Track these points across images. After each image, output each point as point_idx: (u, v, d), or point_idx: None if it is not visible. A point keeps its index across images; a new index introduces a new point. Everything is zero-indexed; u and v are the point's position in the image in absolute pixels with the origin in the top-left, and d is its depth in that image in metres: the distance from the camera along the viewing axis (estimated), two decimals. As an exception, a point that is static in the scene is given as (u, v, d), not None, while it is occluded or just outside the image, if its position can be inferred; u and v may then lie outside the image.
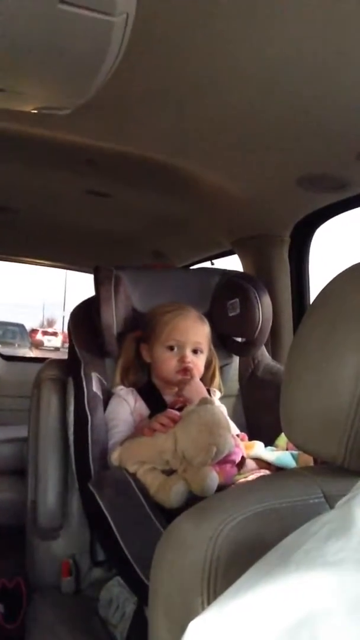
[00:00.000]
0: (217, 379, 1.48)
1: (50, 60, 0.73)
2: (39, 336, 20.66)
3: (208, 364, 1.47)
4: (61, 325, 30.49)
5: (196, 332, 1.38)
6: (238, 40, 0.88)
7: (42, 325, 31.13)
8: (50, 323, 34.02)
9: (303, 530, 0.43)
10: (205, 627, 0.37)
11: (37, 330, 22.21)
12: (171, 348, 1.36)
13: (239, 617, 0.36)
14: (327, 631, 0.34)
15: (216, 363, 1.49)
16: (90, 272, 2.80)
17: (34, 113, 0.98)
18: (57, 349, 19.57)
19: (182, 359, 1.35)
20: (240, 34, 0.86)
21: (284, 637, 0.34)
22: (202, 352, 1.39)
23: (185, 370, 1.34)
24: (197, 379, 1.36)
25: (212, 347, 1.47)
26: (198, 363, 1.37)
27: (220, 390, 1.48)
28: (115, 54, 0.73)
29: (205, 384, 1.44)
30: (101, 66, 0.74)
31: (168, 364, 1.36)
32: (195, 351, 1.37)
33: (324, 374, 0.55)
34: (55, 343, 20.85)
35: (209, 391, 1.42)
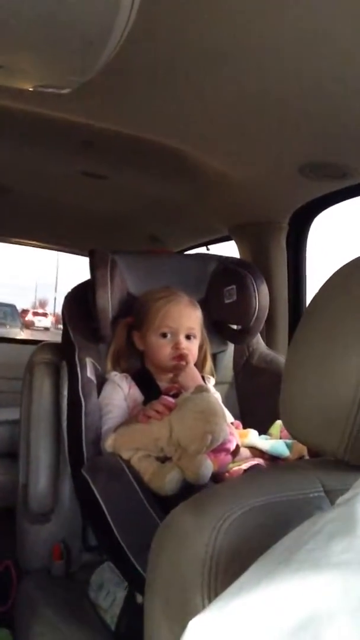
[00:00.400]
0: (209, 364, 1.48)
1: (52, 37, 0.71)
2: (29, 317, 21.23)
3: (199, 349, 1.46)
4: (53, 306, 31.30)
5: (189, 317, 1.37)
6: (242, 24, 0.86)
7: (34, 306, 31.60)
8: (42, 304, 34.61)
9: (305, 528, 0.42)
10: (206, 626, 0.37)
11: (28, 311, 22.96)
12: (164, 335, 1.35)
13: (241, 617, 0.35)
14: (330, 633, 0.33)
15: (207, 348, 1.48)
16: (84, 255, 2.78)
17: (32, 91, 0.95)
18: (47, 329, 20.09)
19: (176, 345, 1.34)
20: (244, 17, 0.84)
21: (287, 639, 0.34)
22: (195, 337, 1.38)
23: (180, 357, 1.33)
24: (191, 365, 1.35)
25: (204, 332, 1.47)
26: (192, 348, 1.37)
27: (212, 375, 1.48)
28: (120, 33, 0.71)
29: (197, 369, 1.44)
30: (105, 46, 0.72)
31: (162, 351, 1.35)
32: (188, 337, 1.36)
33: (326, 367, 0.55)
34: (46, 323, 21.59)
35: (203, 378, 1.41)
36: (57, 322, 21.34)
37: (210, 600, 0.45)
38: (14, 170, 1.88)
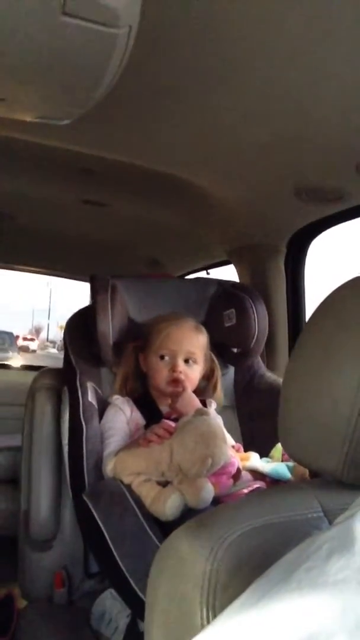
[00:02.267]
0: (219, 391, 1.47)
1: (52, 71, 0.73)
2: (20, 342, 24.43)
3: (210, 375, 1.46)
4: (46, 333, 34.30)
5: (189, 342, 1.37)
6: (237, 53, 0.88)
7: (31, 332, 34.74)
8: (38, 330, 36.76)
9: (304, 548, 0.42)
10: None
11: (18, 337, 25.68)
12: (163, 357, 1.35)
13: (240, 638, 0.35)
14: None
15: (219, 374, 1.48)
16: (85, 280, 2.80)
17: (32, 122, 0.98)
18: (34, 351, 24.70)
19: (172, 368, 1.34)
20: (239, 46, 0.87)
21: None
22: (195, 362, 1.37)
23: (177, 382, 1.33)
24: (189, 391, 1.34)
25: (215, 358, 1.47)
26: (190, 374, 1.36)
27: (220, 401, 1.48)
28: (117, 66, 0.73)
29: (206, 395, 1.44)
30: (103, 78, 0.75)
31: (160, 373, 1.35)
32: (187, 361, 1.36)
33: (322, 386, 0.55)
34: (33, 346, 26.62)
35: (204, 402, 1.41)
36: (39, 346, 28.33)
37: (209, 621, 0.45)
38: (15, 198, 1.92)
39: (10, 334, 15.95)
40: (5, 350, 13.21)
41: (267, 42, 0.85)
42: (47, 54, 0.69)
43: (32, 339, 28.04)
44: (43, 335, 35.64)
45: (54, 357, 18.43)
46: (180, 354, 1.35)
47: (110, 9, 0.62)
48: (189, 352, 1.36)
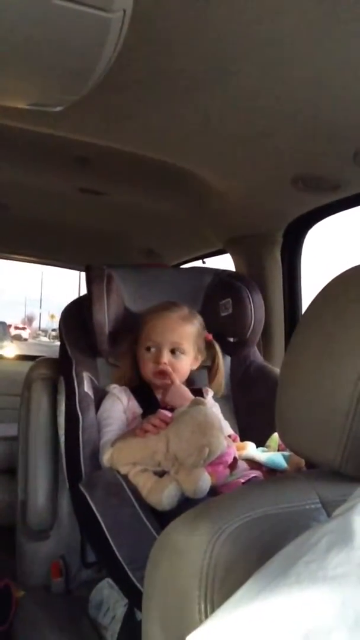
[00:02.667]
0: (219, 379, 1.47)
1: (45, 56, 0.72)
2: (12, 330, 25.04)
3: (211, 363, 1.45)
4: (39, 322, 35.74)
5: (173, 332, 1.34)
6: (234, 39, 0.87)
7: (23, 321, 35.56)
8: (30, 319, 37.95)
9: (302, 540, 0.42)
10: None
11: (10, 325, 26.45)
12: (149, 349, 1.34)
13: (238, 632, 0.35)
14: None
15: (220, 362, 1.47)
16: (80, 270, 2.78)
17: (26, 109, 0.96)
18: (25, 339, 25.23)
19: (157, 360, 1.33)
20: (237, 32, 0.85)
21: None
22: (183, 352, 1.35)
23: (163, 373, 1.32)
24: (177, 383, 1.33)
25: (217, 345, 1.46)
26: (177, 364, 1.35)
27: (219, 389, 1.47)
28: (112, 51, 0.72)
29: (203, 384, 1.43)
30: (97, 63, 0.73)
31: (146, 365, 1.35)
32: (174, 352, 1.35)
33: (320, 377, 0.55)
34: (25, 335, 27.00)
35: (200, 390, 1.41)
36: (31, 334, 29.03)
37: (207, 615, 0.45)
38: (10, 187, 1.90)
39: (3, 324, 16.70)
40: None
41: (264, 28, 0.84)
42: (39, 39, 0.68)
43: (23, 328, 28.59)
44: (35, 324, 36.84)
45: (45, 344, 20.39)
46: (164, 345, 1.33)
47: (104, -8, 0.60)
48: (174, 342, 1.34)
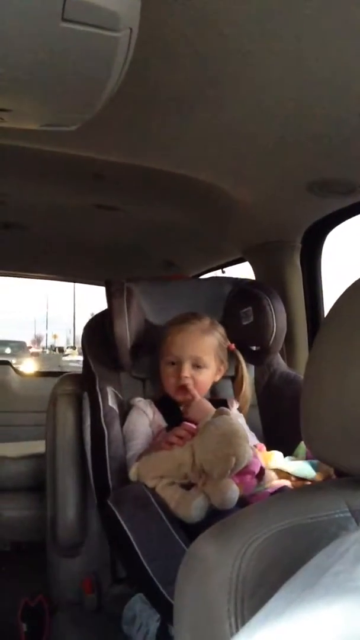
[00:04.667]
0: (244, 389, 1.46)
1: (55, 78, 0.73)
2: None
3: (235, 373, 1.44)
4: (45, 341, 39.99)
5: (194, 346, 1.34)
6: (243, 48, 0.88)
7: (32, 341, 39.27)
8: (39, 339, 41.98)
9: (331, 551, 0.41)
10: None
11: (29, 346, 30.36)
12: (171, 363, 1.34)
13: None
14: None
15: (244, 373, 1.46)
16: (96, 284, 2.80)
17: (40, 130, 0.98)
18: (37, 354, 27.75)
19: (178, 374, 1.33)
20: (245, 42, 0.86)
21: None
22: (204, 366, 1.35)
23: (184, 389, 1.32)
24: (198, 398, 1.33)
25: (240, 356, 1.45)
26: (199, 378, 1.34)
27: (246, 400, 1.46)
28: (120, 68, 0.73)
29: (227, 395, 1.42)
30: (106, 82, 0.74)
31: (168, 380, 1.35)
32: (197, 366, 1.34)
33: (344, 381, 0.54)
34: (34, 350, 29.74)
35: (225, 401, 1.40)
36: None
37: (238, 628, 0.44)
38: (27, 207, 1.93)
39: (23, 343, 21.08)
40: (19, 355, 16.66)
41: (272, 38, 0.84)
42: (49, 61, 0.69)
43: (32, 346, 32.29)
44: (43, 343, 41.44)
45: (47, 357, 24.39)
46: (185, 360, 1.33)
47: (109, 12, 0.61)
48: (195, 357, 1.34)
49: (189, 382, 1.32)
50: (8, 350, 17.06)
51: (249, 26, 0.81)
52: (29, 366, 14.49)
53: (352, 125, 1.11)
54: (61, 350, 32.93)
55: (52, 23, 0.62)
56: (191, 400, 1.31)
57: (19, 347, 18.38)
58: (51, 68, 0.71)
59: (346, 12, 0.77)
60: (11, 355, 16.15)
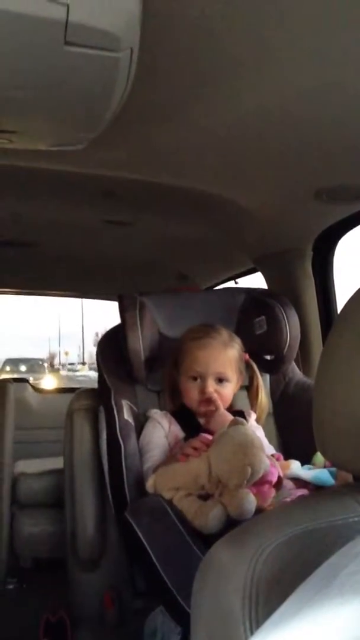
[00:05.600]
0: (260, 399, 1.45)
1: (60, 99, 0.75)
2: None
3: (249, 383, 1.45)
4: (59, 358, 41.80)
5: (216, 361, 1.34)
6: (245, 61, 0.89)
7: (47, 359, 40.55)
8: (52, 356, 43.37)
9: (345, 552, 0.42)
10: None
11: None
12: (194, 378, 1.34)
13: None
14: None
15: (259, 383, 1.46)
16: (109, 300, 2.82)
17: (47, 150, 1.01)
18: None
19: (202, 390, 1.33)
20: (245, 55, 0.87)
21: None
22: (227, 380, 1.35)
23: (209, 401, 1.32)
24: (221, 410, 1.33)
25: (254, 366, 1.45)
26: (223, 392, 1.34)
27: (263, 410, 1.46)
28: (123, 87, 0.75)
29: (243, 406, 1.42)
30: (110, 101, 0.76)
31: (191, 394, 1.34)
32: (220, 380, 1.34)
33: (355, 388, 0.54)
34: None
35: (242, 413, 1.40)
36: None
37: (252, 631, 0.44)
38: (38, 225, 1.96)
39: (43, 359, 24.61)
40: (39, 372, 19.20)
41: (274, 49, 0.85)
42: (54, 84, 0.71)
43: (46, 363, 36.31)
44: (56, 360, 43.26)
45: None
46: (209, 376, 1.33)
47: (110, 34, 0.63)
48: (218, 372, 1.34)
49: (214, 395, 1.32)
50: (23, 368, 19.35)
51: (249, 37, 0.82)
52: (49, 382, 16.54)
53: (356, 131, 1.11)
54: (71, 365, 34.90)
55: (56, 47, 0.64)
56: (214, 412, 1.31)
57: (38, 366, 20.97)
58: (55, 90, 0.73)
59: (350, 14, 0.77)
60: (29, 372, 18.06)
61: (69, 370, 32.68)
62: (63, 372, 30.97)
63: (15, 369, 19.97)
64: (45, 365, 25.39)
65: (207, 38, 0.81)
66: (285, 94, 0.99)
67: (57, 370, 28.60)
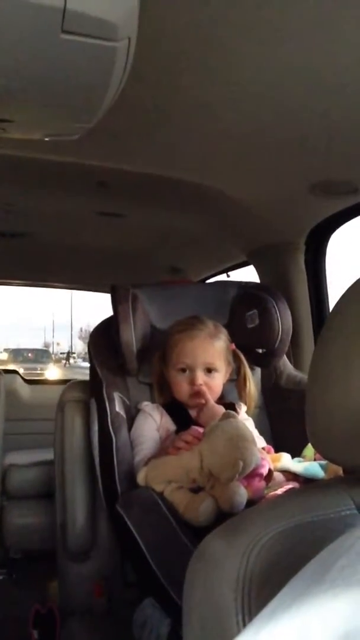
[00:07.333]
0: (248, 388, 1.45)
1: (56, 89, 0.74)
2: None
3: (237, 374, 1.45)
4: (52, 348, 43.22)
5: (205, 352, 1.33)
6: (242, 53, 0.88)
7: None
8: (47, 346, 44.34)
9: (337, 546, 0.42)
10: None
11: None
12: (183, 370, 1.34)
13: None
14: None
15: (247, 373, 1.46)
16: (102, 291, 2.81)
17: (42, 140, 1.00)
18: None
19: (192, 381, 1.33)
20: (243, 47, 0.87)
21: None
22: (216, 370, 1.35)
23: (198, 394, 1.32)
24: (211, 403, 1.33)
25: (241, 356, 1.45)
26: (212, 383, 1.34)
27: (252, 400, 1.46)
28: (120, 77, 0.74)
29: (233, 398, 1.43)
30: (106, 91, 0.75)
31: (180, 387, 1.34)
32: (209, 372, 1.34)
33: (349, 380, 0.54)
34: None
35: (233, 405, 1.40)
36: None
37: (245, 624, 0.45)
38: (32, 216, 1.95)
39: (47, 351, 24.63)
40: (44, 362, 19.77)
41: (272, 41, 0.85)
42: (50, 73, 0.70)
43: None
44: (51, 349, 44.13)
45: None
46: (197, 367, 1.33)
47: (108, 23, 0.63)
48: (207, 362, 1.34)
49: (203, 388, 1.32)
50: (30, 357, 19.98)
51: (247, 30, 0.82)
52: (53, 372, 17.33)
53: (354, 126, 1.11)
54: (62, 354, 34.93)
55: (52, 35, 0.63)
56: (204, 405, 1.31)
57: (43, 356, 21.54)
58: (52, 79, 0.72)
59: (349, 12, 0.77)
60: (36, 361, 18.94)
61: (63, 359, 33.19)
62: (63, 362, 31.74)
63: (23, 359, 20.05)
64: (52, 356, 25.68)
65: (206, 31, 0.80)
66: (281, 87, 0.99)
67: (59, 360, 28.55)
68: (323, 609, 0.35)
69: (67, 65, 0.69)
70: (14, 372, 3.29)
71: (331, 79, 0.96)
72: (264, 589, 0.46)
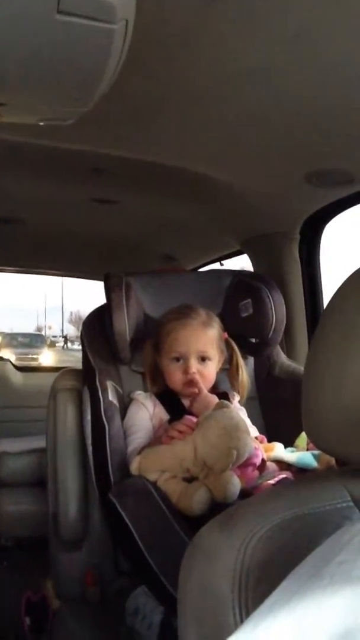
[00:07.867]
0: (241, 376, 1.45)
1: (50, 71, 0.72)
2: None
3: (229, 363, 1.45)
4: (45, 331, 43.01)
5: (198, 340, 1.33)
6: (239, 41, 0.87)
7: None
8: (39, 330, 44.52)
9: (334, 541, 0.42)
10: None
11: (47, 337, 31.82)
12: (177, 359, 1.33)
13: (275, 638, 0.35)
14: None
15: (239, 362, 1.45)
16: (99, 279, 2.80)
17: (36, 124, 0.98)
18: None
19: (186, 370, 1.32)
20: (241, 34, 0.85)
21: None
22: (209, 359, 1.35)
23: (191, 383, 1.32)
24: (204, 392, 1.33)
25: (234, 344, 1.45)
26: (205, 372, 1.34)
27: (244, 389, 1.46)
28: (116, 61, 0.73)
29: (226, 387, 1.43)
30: (102, 75, 0.74)
31: (174, 375, 1.34)
32: (203, 359, 1.34)
33: (345, 372, 0.54)
34: None
35: (226, 394, 1.40)
36: None
37: (242, 617, 0.45)
38: (25, 201, 1.92)
39: (41, 336, 23.82)
40: (38, 347, 19.20)
41: (271, 29, 0.84)
42: (45, 54, 0.69)
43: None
44: (43, 332, 45.30)
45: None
46: (191, 355, 1.32)
47: (105, 4, 0.61)
48: (200, 351, 1.33)
49: (196, 377, 1.31)
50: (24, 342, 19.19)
51: (246, 17, 0.80)
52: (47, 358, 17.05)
53: (350, 115, 1.10)
54: (54, 337, 35.00)
55: (48, 15, 0.61)
56: (197, 394, 1.31)
57: (37, 341, 20.83)
58: (47, 61, 0.70)
59: (348, 2, 0.76)
60: (30, 346, 18.51)
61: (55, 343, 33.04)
62: (58, 346, 30.87)
63: (17, 344, 19.18)
64: (47, 341, 25.26)
65: (205, 18, 0.79)
66: (278, 74, 0.97)
67: (54, 344, 28.33)
68: (322, 604, 0.35)
69: (62, 47, 0.67)
70: (5, 359, 3.28)
71: (328, 68, 0.95)
72: (261, 582, 0.46)
